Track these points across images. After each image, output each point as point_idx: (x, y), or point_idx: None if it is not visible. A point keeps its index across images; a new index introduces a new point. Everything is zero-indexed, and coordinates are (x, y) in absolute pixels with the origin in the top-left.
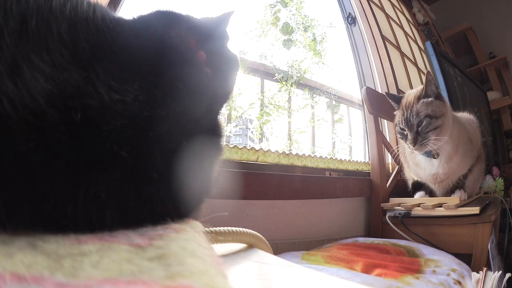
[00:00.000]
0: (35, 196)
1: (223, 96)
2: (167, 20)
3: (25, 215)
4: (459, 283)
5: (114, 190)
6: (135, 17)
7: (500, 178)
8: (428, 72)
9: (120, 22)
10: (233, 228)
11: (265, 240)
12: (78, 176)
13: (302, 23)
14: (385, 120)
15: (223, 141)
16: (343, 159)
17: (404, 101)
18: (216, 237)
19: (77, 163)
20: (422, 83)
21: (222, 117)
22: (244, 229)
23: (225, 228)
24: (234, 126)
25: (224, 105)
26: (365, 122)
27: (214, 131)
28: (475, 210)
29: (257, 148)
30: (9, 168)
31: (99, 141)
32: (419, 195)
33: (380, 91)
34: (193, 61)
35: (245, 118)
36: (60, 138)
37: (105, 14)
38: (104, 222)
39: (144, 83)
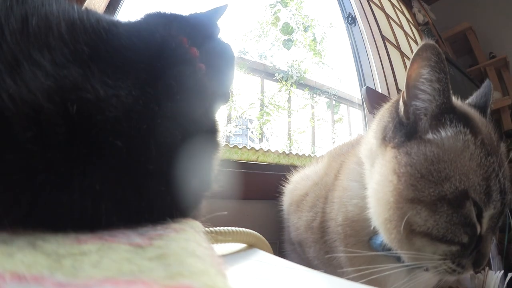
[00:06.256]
0: (32, 185)
1: (219, 91)
2: (157, 21)
3: (22, 204)
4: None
5: (109, 182)
6: (131, 20)
7: None
8: None
9: (116, 24)
10: (233, 228)
11: (265, 240)
12: (74, 166)
13: (302, 23)
14: None
15: (219, 136)
16: None
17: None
18: (216, 237)
19: (73, 153)
20: None
21: (218, 113)
22: (244, 229)
23: (225, 228)
24: (234, 126)
25: (223, 100)
26: (365, 122)
27: (210, 126)
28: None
29: (257, 148)
30: (8, 156)
31: (94, 132)
32: None
33: (380, 91)
34: (185, 58)
35: (245, 118)
36: (56, 130)
37: (100, 17)
38: (100, 213)
39: (137, 80)
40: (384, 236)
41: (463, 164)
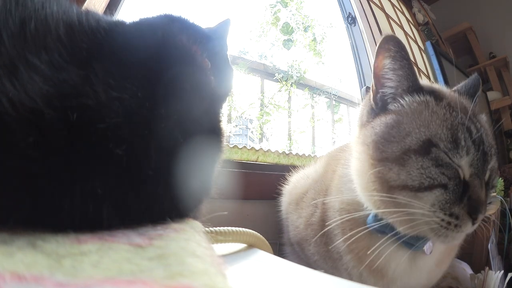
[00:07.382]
0: (33, 190)
1: (222, 98)
2: (173, 25)
3: (23, 210)
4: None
5: (110, 186)
6: (139, 19)
7: (500, 178)
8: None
9: (118, 24)
10: (233, 228)
11: (265, 240)
12: (75, 172)
13: (302, 23)
14: None
15: (224, 141)
16: None
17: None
18: (216, 237)
19: (74, 158)
20: None
21: (222, 118)
22: (244, 229)
23: (225, 228)
24: (234, 126)
25: (222, 106)
26: None
27: (214, 131)
28: None
29: (257, 148)
30: (9, 162)
31: (95, 139)
32: None
33: None
34: (200, 66)
35: (245, 118)
36: (58, 135)
37: (99, 18)
38: (101, 217)
39: (145, 80)
40: (369, 203)
41: (423, 120)
